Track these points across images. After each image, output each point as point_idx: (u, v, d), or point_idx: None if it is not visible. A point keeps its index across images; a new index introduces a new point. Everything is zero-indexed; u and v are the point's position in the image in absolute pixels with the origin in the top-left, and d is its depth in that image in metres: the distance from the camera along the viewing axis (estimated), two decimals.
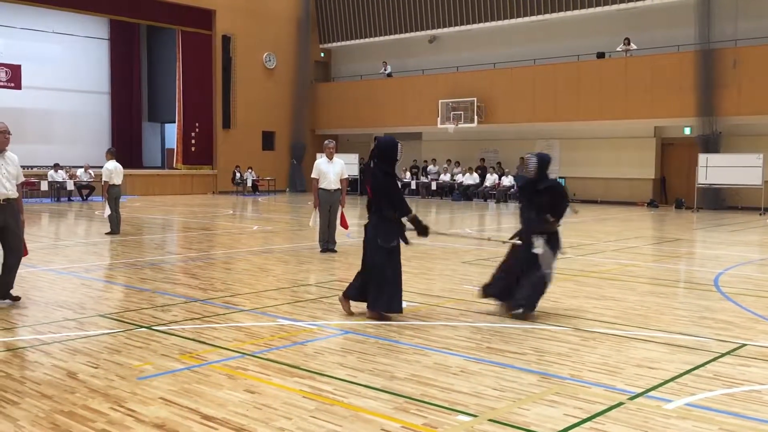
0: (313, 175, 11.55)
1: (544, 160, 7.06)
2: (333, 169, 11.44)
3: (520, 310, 6.80)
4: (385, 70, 31.80)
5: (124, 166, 14.76)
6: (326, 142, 11.79)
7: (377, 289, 6.66)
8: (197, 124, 30.50)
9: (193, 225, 16.90)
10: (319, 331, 6.28)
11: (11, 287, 7.30)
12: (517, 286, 6.84)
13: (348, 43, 33.44)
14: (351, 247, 11.74)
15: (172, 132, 32.07)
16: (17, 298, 7.32)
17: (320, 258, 11.02)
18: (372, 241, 6.74)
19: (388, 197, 6.71)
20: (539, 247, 6.81)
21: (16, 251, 7.21)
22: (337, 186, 11.44)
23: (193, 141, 30.45)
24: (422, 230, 6.89)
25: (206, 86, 30.66)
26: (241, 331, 6.22)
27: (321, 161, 11.58)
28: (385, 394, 4.57)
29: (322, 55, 34.79)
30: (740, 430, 3.99)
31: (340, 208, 11.43)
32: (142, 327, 6.31)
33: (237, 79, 31.16)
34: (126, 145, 32.27)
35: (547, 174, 7.08)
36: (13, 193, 7.18)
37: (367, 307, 6.81)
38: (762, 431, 3.98)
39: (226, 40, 30.78)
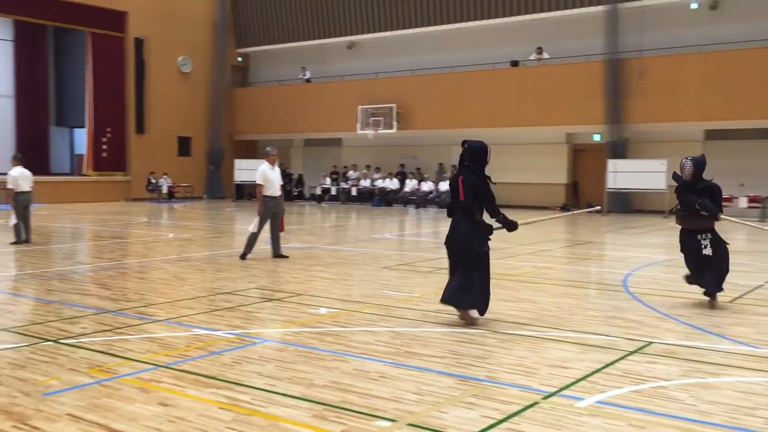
0: (259, 182, 11.49)
1: (700, 164, 7.78)
2: (276, 176, 11.59)
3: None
4: (303, 75, 31.66)
5: (31, 173, 14.08)
6: (269, 149, 11.88)
7: (471, 289, 6.77)
8: (109, 129, 29.48)
9: (105, 233, 16.32)
10: (237, 340, 6.17)
11: None
12: None
13: (266, 48, 33.12)
14: (267, 254, 11.60)
15: (82, 137, 30.91)
16: None
17: (239, 266, 10.84)
18: (466, 247, 6.84)
19: (483, 200, 6.91)
20: (707, 246, 7.68)
21: None
22: (280, 192, 11.62)
23: (104, 146, 29.41)
24: (511, 226, 7.20)
25: (118, 90, 29.70)
26: (154, 342, 6.03)
27: (266, 168, 11.56)
28: (304, 402, 4.52)
29: (240, 59, 34.32)
30: (648, 425, 4.14)
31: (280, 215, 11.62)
32: (48, 341, 6.02)
33: (151, 84, 30.33)
34: (32, 151, 30.75)
35: (703, 176, 7.83)
36: None
37: (458, 307, 6.85)
38: (668, 425, 4.14)
39: (139, 43, 29.93)
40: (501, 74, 26.25)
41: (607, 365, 5.40)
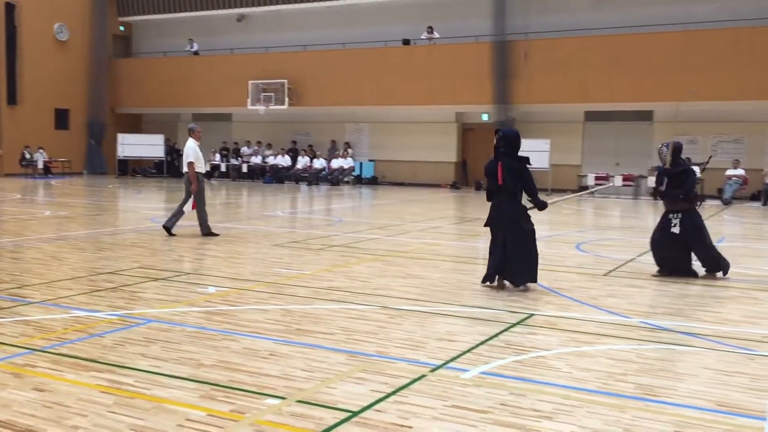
0: (191, 159, 11.30)
1: (675, 148, 8.08)
2: (202, 153, 11.63)
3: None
4: (191, 47, 30.61)
5: None
6: (194, 125, 11.80)
7: (525, 265, 7.48)
8: None
9: None
10: (119, 321, 5.94)
11: None
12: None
13: (150, 17, 31.77)
14: (157, 232, 11.22)
15: None
16: None
17: (121, 245, 10.42)
18: (516, 225, 7.50)
19: (525, 182, 7.52)
20: (676, 225, 8.29)
21: None
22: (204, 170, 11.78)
23: None
24: (542, 205, 7.72)
25: None
26: (29, 326, 5.71)
27: (195, 145, 11.43)
28: (191, 382, 4.42)
29: (122, 28, 32.74)
30: (528, 393, 4.33)
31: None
32: None
33: (24, 52, 28.42)
34: None
35: (681, 159, 8.39)
36: None
37: (514, 283, 7.49)
38: (546, 392, 4.35)
39: (10, 7, 27.93)
40: (393, 52, 26.41)
41: (492, 337, 5.60)
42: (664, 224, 8.52)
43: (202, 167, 11.56)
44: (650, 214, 17.87)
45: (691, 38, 22.14)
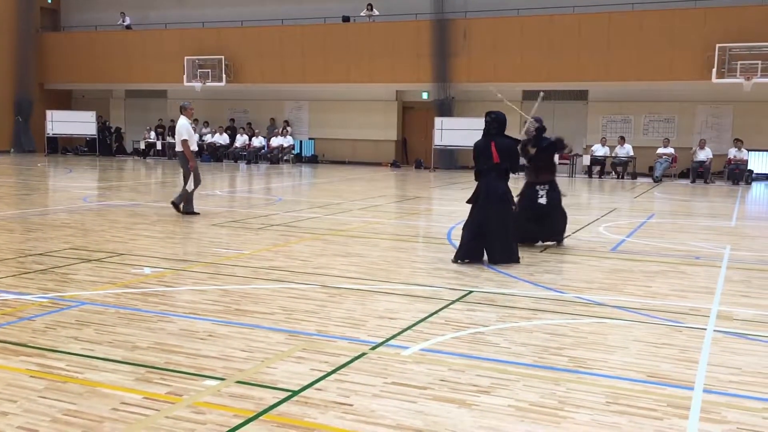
0: (185, 137, 11.34)
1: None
2: (194, 131, 11.69)
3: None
4: (123, 21, 29.62)
5: None
6: (186, 103, 11.72)
7: (511, 246, 7.85)
8: None
9: None
10: (50, 304, 5.75)
11: None
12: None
13: None
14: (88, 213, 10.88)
15: None
16: None
17: (52, 225, 10.08)
18: (507, 206, 7.87)
19: (513, 160, 8.01)
20: (543, 197, 8.84)
21: None
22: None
23: None
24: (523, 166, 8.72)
25: None
26: None
27: (187, 123, 11.43)
28: (126, 365, 4.32)
29: (50, 1, 31.42)
30: (466, 369, 4.40)
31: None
32: None
33: None
34: None
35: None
36: None
37: (494, 262, 7.73)
38: (484, 368, 4.42)
39: None
40: (332, 29, 26.13)
41: (431, 314, 5.65)
42: (530, 196, 8.93)
43: (194, 145, 11.58)
44: (584, 192, 18.30)
45: (623, 18, 22.62)
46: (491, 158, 7.87)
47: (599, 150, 22.99)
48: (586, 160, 23.11)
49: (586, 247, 9.17)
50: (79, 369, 4.24)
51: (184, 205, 11.48)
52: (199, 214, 11.43)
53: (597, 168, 23.01)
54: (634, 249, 9.09)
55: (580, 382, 4.23)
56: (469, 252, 7.86)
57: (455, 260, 7.87)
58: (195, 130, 11.42)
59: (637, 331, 5.32)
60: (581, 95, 24.68)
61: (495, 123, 8.01)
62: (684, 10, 22.07)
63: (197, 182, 11.51)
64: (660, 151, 22.28)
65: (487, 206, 7.81)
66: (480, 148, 8.02)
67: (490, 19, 24.24)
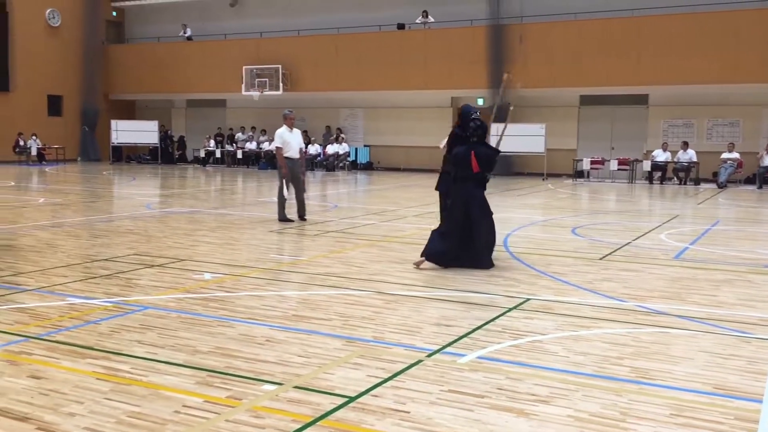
0: (277, 144, 11.64)
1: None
2: (295, 139, 11.71)
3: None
4: (184, 33, 30.40)
5: None
6: (287, 111, 11.97)
7: (490, 251, 7.83)
8: None
9: None
10: (115, 308, 5.92)
11: None
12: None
13: (143, 2, 31.53)
14: (152, 219, 11.18)
15: None
16: None
17: (117, 231, 10.39)
18: (487, 213, 7.84)
19: (491, 169, 7.95)
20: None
21: None
22: (299, 155, 11.71)
23: None
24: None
25: None
26: (24, 313, 5.69)
27: (284, 131, 11.65)
28: (187, 369, 4.42)
29: (114, 14, 32.49)
30: (524, 377, 4.34)
31: (301, 177, 11.71)
32: None
33: (16, 37, 28.19)
34: None
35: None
36: None
37: (483, 266, 7.71)
38: (543, 377, 4.36)
39: None
40: (387, 37, 26.27)
41: (488, 322, 5.60)
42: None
43: (291, 152, 11.58)
44: (645, 198, 17.89)
45: (688, 21, 22.07)
46: (470, 167, 7.76)
47: (660, 155, 22.46)
48: (647, 165, 22.60)
49: (647, 254, 8.95)
50: (142, 372, 4.35)
51: (279, 211, 11.70)
52: (293, 221, 11.62)
53: (658, 174, 22.48)
54: (698, 257, 8.84)
55: (643, 393, 4.13)
56: (456, 258, 7.74)
57: (437, 262, 7.74)
58: (282, 138, 11.34)
59: (703, 342, 5.16)
60: (641, 99, 24.16)
61: (479, 131, 7.87)
62: (749, 11, 21.40)
63: (287, 189, 11.63)
64: (725, 156, 21.62)
65: (470, 213, 7.72)
66: (458, 157, 7.87)
67: (546, 24, 23.99)
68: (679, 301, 6.47)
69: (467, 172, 7.79)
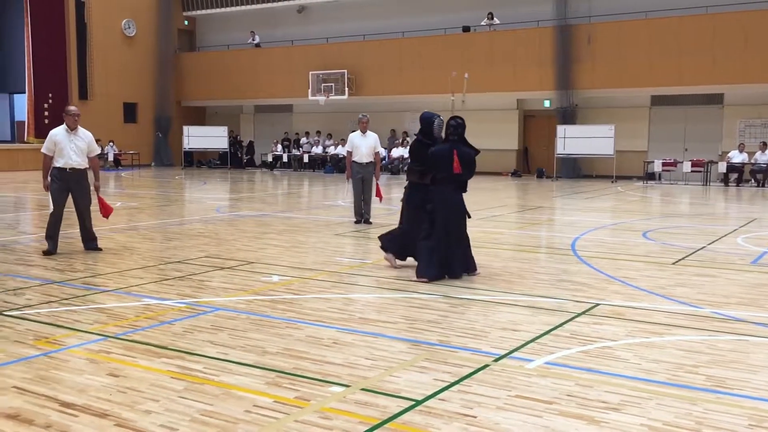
0: (347, 148, 11.96)
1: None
2: (365, 143, 11.81)
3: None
4: (253, 40, 31.06)
5: None
6: (360, 116, 12.17)
7: (470, 254, 7.54)
8: (50, 95, 28.53)
9: (49, 202, 15.85)
10: (188, 309, 6.10)
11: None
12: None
13: (213, 11, 32.37)
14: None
15: (23, 103, 29.84)
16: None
17: (188, 234, 10.69)
18: (464, 217, 7.49)
19: (472, 171, 7.53)
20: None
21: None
22: (370, 159, 11.75)
23: (46, 113, 28.48)
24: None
25: (59, 55, 28.68)
26: (103, 313, 5.92)
27: (354, 135, 11.96)
28: (257, 369, 4.51)
29: (186, 23, 33.47)
30: (594, 384, 4.26)
31: (374, 180, 11.71)
32: None
33: (94, 47, 29.38)
34: None
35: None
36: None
37: (471, 272, 7.50)
38: (614, 384, 4.27)
39: (80, 5, 28.89)
40: (452, 40, 26.19)
41: (556, 327, 5.52)
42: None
43: (359, 157, 11.66)
44: (720, 201, 17.29)
45: (765, 17, 21.22)
46: (451, 167, 7.30)
47: (736, 156, 21.66)
48: (722, 167, 21.83)
49: (723, 259, 8.65)
50: (215, 371, 4.47)
51: (358, 213, 11.88)
52: (356, 222, 11.81)
53: (734, 176, 21.68)
54: None
55: (720, 402, 3.99)
56: (448, 265, 7.36)
57: (430, 280, 7.19)
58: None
59: None
60: (716, 99, 23.36)
61: (460, 129, 7.49)
62: None
63: (356, 192, 11.77)
64: None
65: (451, 218, 7.32)
66: (439, 155, 7.34)
67: (615, 23, 23.48)
68: (758, 307, 6.22)
69: (448, 173, 7.31)
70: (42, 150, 8.89)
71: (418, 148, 7.82)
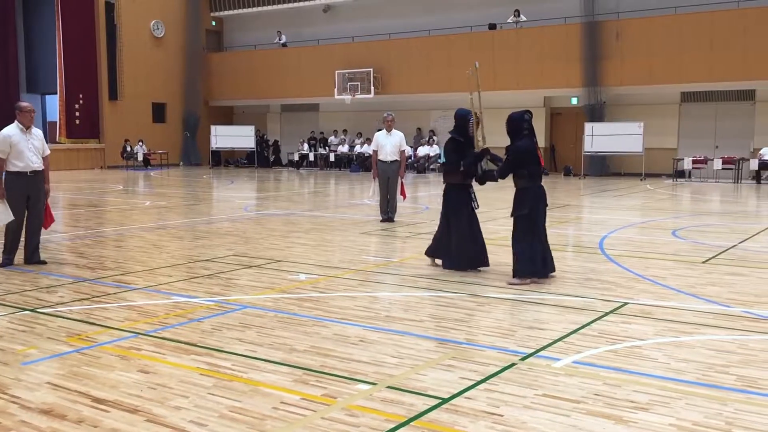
0: (372, 147, 12.07)
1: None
2: (390, 141, 11.84)
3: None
4: (279, 39, 31.24)
5: None
6: (385, 114, 12.27)
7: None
8: (81, 96, 28.97)
9: (80, 201, 16.14)
10: (216, 307, 6.17)
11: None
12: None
13: (240, 11, 32.60)
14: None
15: (54, 104, 30.34)
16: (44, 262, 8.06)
17: (217, 233, 10.80)
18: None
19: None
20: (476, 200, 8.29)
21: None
22: (394, 158, 11.74)
23: (77, 113, 28.93)
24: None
25: (90, 55, 29.10)
26: (133, 310, 6.01)
27: (380, 134, 12.05)
28: (285, 367, 4.55)
29: (214, 23, 33.76)
30: (623, 384, 4.23)
31: (399, 178, 11.70)
32: (25, 310, 5.99)
33: (123, 48, 29.77)
34: (2, 119, 30.22)
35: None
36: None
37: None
38: (642, 383, 4.23)
39: (110, 6, 29.29)
40: (478, 37, 26.09)
41: (584, 326, 5.48)
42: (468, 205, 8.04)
43: (383, 155, 11.69)
44: (752, 198, 17.01)
45: None
46: (539, 161, 7.45)
47: None
48: (754, 164, 21.47)
49: (755, 258, 8.52)
50: (243, 369, 4.51)
51: (381, 212, 11.95)
52: (382, 221, 11.83)
53: (766, 173, 21.31)
54: None
55: (751, 402, 3.94)
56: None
57: (540, 277, 7.13)
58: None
59: None
60: (747, 95, 22.98)
61: (528, 123, 7.63)
62: None
63: (382, 191, 11.80)
64: None
65: (543, 214, 7.49)
66: (525, 150, 7.39)
67: (644, 19, 23.21)
68: None
69: (537, 166, 7.28)
70: None
71: (455, 147, 7.86)
